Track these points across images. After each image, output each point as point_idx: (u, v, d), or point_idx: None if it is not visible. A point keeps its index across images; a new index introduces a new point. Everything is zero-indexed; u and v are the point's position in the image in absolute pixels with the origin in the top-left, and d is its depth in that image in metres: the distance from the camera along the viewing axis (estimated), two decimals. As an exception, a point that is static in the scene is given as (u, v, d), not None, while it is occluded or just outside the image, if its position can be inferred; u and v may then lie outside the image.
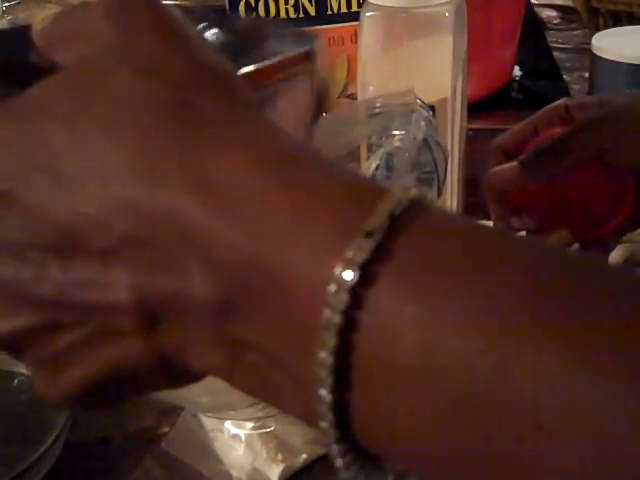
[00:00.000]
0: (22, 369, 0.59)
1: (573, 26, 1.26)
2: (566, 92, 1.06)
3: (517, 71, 1.09)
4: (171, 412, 0.56)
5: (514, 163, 0.56)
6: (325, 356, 0.22)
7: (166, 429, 0.56)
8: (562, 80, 1.10)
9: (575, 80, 1.09)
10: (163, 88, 0.25)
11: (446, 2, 0.69)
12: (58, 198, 0.24)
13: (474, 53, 0.76)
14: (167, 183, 0.24)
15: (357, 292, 0.22)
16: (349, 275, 0.22)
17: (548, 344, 0.21)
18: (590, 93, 0.74)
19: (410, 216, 0.23)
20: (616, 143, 0.54)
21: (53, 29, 0.28)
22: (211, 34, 0.37)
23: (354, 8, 0.81)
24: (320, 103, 0.37)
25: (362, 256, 0.22)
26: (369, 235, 0.22)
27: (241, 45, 0.39)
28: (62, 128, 0.25)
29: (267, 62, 0.44)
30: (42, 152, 0.25)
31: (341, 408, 0.23)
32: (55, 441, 0.51)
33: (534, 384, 0.20)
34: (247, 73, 0.36)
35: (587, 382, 0.20)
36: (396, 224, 0.22)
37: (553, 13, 1.31)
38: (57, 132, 0.25)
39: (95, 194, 0.24)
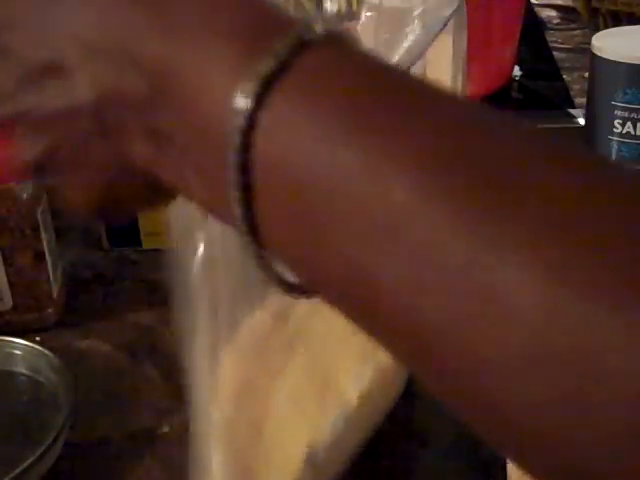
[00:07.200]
0: (22, 369, 0.59)
1: (573, 26, 1.26)
2: (566, 92, 1.06)
3: (517, 71, 1.09)
4: (171, 412, 0.56)
5: None
6: (231, 155, 0.24)
7: (166, 429, 0.56)
8: (562, 80, 1.10)
9: (575, 80, 1.09)
10: None
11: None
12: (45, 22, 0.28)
13: (474, 53, 0.76)
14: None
15: (260, 99, 0.24)
16: (252, 85, 0.24)
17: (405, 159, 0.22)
18: (590, 93, 0.74)
19: (323, 44, 0.25)
20: None
21: None
22: None
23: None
24: None
25: (266, 69, 0.24)
26: (279, 50, 0.24)
27: None
28: None
29: None
30: None
31: (249, 207, 0.25)
32: (55, 441, 0.51)
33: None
34: None
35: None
36: (307, 48, 0.25)
37: (553, 13, 1.31)
38: None
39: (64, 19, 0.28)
